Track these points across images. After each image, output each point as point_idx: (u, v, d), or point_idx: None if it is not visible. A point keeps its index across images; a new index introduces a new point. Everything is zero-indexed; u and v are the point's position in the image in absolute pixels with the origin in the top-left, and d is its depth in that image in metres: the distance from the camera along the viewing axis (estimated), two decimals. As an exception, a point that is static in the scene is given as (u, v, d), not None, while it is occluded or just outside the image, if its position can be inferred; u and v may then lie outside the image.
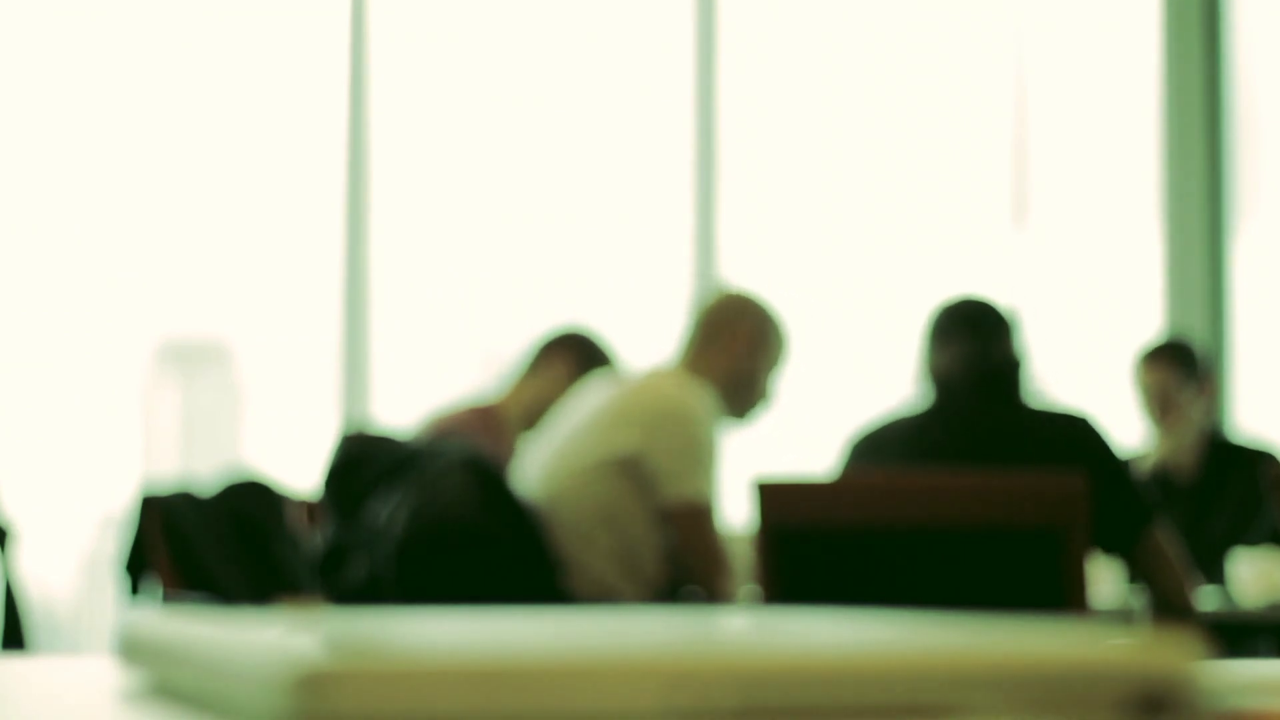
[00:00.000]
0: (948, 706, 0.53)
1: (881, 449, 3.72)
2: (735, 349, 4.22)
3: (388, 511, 3.83)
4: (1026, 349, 3.80)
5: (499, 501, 3.90)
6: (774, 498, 3.34)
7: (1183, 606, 3.63)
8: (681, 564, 4.07)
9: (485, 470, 3.89)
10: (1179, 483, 5.34)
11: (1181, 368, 5.39)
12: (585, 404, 4.17)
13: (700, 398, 4.06)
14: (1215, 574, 4.94)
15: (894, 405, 3.86)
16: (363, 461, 3.94)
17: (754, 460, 5.73)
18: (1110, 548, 3.58)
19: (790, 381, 4.40)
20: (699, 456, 4.02)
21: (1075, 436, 3.60)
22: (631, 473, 4.02)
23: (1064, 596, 3.22)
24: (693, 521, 4.02)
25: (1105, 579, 4.28)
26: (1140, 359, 5.44)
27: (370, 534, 3.85)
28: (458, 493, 3.83)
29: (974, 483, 3.30)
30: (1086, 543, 3.26)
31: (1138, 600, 4.02)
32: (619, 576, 4.03)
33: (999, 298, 3.88)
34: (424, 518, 3.80)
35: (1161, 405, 5.35)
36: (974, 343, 3.73)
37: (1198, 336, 6.54)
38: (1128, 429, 5.74)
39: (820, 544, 3.31)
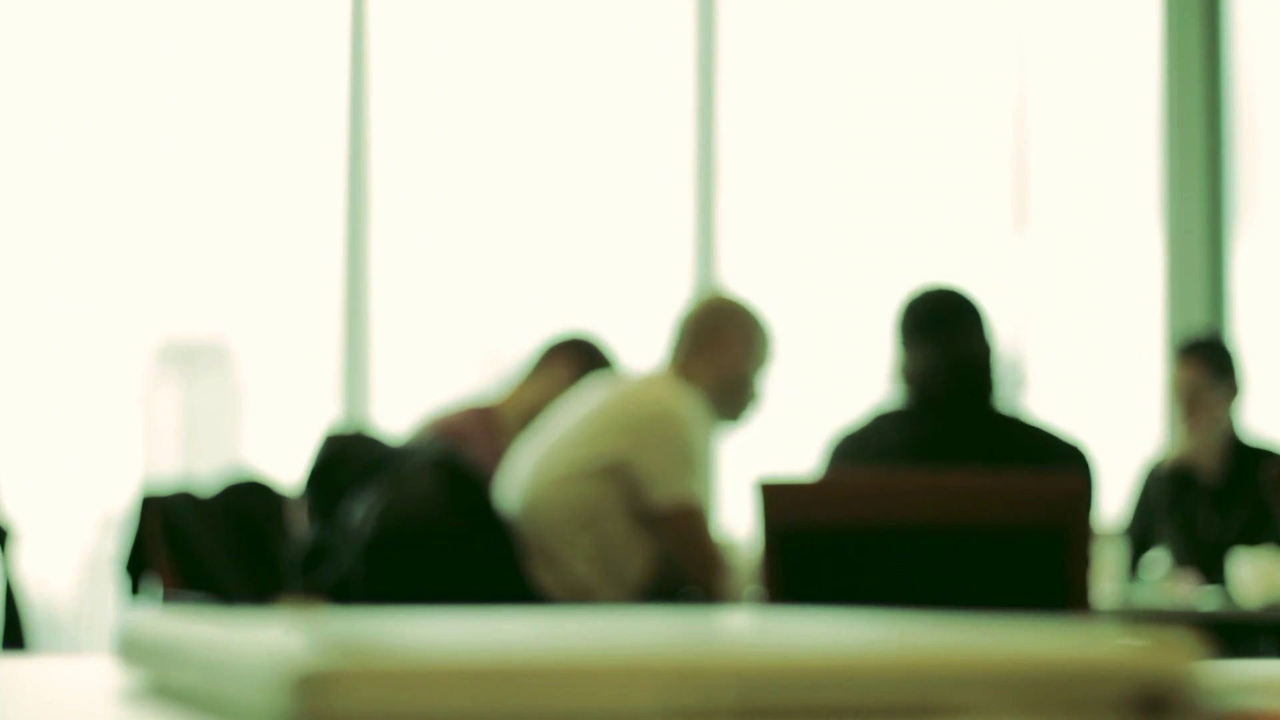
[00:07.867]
0: (948, 706, 0.53)
1: (862, 451, 3.72)
2: (723, 353, 4.22)
3: (362, 511, 3.84)
4: (993, 335, 3.79)
5: (467, 501, 3.90)
6: (778, 498, 3.34)
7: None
8: (677, 565, 4.07)
9: (456, 470, 3.89)
10: (1201, 482, 5.30)
11: (1214, 367, 5.35)
12: (576, 408, 4.17)
13: (689, 401, 4.07)
14: (1224, 574, 4.93)
15: (871, 406, 3.86)
16: (342, 461, 3.94)
17: (758, 465, 5.74)
18: None
19: (792, 387, 4.40)
20: (688, 458, 4.02)
21: (1058, 455, 3.61)
22: (616, 477, 4.03)
23: (1068, 597, 3.22)
24: (685, 522, 4.02)
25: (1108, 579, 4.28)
26: (1174, 355, 5.42)
27: (346, 534, 3.86)
28: (426, 492, 3.83)
29: (978, 483, 3.30)
30: (1089, 543, 3.26)
31: None
32: (598, 577, 4.04)
33: (979, 295, 3.87)
34: (392, 517, 3.80)
35: (1190, 403, 5.31)
36: (943, 341, 3.73)
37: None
38: (1129, 430, 5.74)
39: (825, 544, 3.31)
